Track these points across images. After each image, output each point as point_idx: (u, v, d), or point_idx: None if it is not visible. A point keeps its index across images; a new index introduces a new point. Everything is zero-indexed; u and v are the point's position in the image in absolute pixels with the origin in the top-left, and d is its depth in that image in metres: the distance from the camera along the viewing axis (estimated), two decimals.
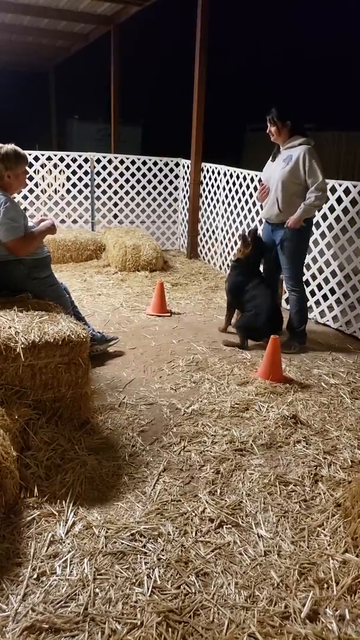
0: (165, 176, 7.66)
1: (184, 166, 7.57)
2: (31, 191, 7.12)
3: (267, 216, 4.18)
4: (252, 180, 5.82)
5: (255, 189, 5.71)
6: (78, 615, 1.73)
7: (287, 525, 2.23)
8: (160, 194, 7.73)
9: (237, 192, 6.19)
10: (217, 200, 6.73)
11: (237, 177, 6.16)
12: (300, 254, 4.14)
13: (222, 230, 6.65)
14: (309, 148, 3.86)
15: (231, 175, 6.31)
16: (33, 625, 1.69)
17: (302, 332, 4.26)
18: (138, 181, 7.58)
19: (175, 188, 7.78)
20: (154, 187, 7.65)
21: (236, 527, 2.21)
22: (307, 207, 3.89)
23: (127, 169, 7.54)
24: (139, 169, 7.54)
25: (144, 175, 7.57)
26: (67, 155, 7.31)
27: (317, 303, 4.98)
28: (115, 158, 7.58)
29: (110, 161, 7.53)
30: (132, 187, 7.60)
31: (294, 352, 4.14)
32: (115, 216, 7.90)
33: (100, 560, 1.97)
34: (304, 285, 4.34)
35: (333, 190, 4.69)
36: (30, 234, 3.20)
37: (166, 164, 7.61)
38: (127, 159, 7.54)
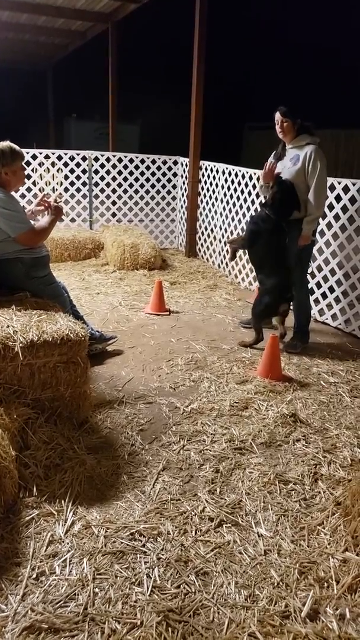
0: (164, 174, 7.64)
1: (182, 164, 7.55)
2: (29, 189, 7.11)
3: None
4: (250, 178, 5.81)
5: (254, 187, 5.70)
6: (77, 615, 1.72)
7: (287, 524, 2.22)
8: (158, 192, 7.71)
9: (235, 190, 6.18)
10: (216, 199, 6.72)
11: (236, 175, 6.14)
12: (306, 254, 4.14)
13: (220, 228, 6.64)
14: (316, 148, 3.86)
15: (230, 173, 6.29)
16: (32, 625, 1.68)
17: (306, 332, 4.25)
18: (136, 179, 7.56)
19: (174, 186, 7.76)
20: (152, 186, 7.64)
21: (236, 526, 2.20)
22: (310, 222, 3.91)
23: (125, 167, 7.53)
24: (137, 167, 7.52)
25: (142, 174, 7.56)
26: (65, 154, 7.30)
27: (316, 301, 4.97)
28: (114, 156, 7.56)
29: (108, 159, 7.52)
30: (131, 185, 7.59)
31: (297, 352, 4.13)
32: (114, 215, 7.89)
33: (99, 559, 1.97)
34: (308, 286, 4.32)
35: (332, 188, 4.68)
36: (39, 225, 3.22)
37: (164, 162, 7.60)
38: (125, 157, 7.52)
